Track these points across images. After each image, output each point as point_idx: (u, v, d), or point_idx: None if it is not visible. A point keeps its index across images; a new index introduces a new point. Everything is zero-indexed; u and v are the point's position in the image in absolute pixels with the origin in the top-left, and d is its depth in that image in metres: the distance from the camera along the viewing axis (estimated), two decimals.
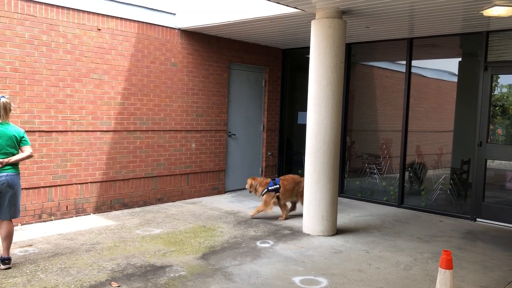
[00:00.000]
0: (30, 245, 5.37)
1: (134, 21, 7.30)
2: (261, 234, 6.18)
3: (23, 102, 6.17)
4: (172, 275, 4.59)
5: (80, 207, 6.87)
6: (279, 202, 7.01)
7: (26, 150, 4.71)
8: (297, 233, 6.26)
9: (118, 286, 4.26)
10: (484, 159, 7.25)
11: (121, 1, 7.09)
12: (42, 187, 6.44)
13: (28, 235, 5.78)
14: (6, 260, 4.61)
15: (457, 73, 7.83)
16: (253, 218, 7.01)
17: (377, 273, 4.87)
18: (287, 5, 5.94)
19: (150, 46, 7.54)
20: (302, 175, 6.92)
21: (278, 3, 5.80)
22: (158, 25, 7.63)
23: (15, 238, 5.59)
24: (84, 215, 6.90)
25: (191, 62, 8.17)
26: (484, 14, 5.99)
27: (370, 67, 9.07)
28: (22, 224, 6.24)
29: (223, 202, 8.17)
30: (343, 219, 7.05)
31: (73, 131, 6.72)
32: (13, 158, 4.59)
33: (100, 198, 7.10)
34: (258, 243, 5.77)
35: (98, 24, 6.88)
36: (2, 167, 4.52)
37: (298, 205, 7.27)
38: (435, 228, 6.77)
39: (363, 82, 8.97)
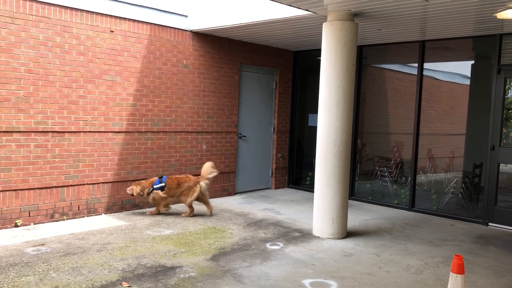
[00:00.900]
0: (43, 244, 5.43)
1: (147, 23, 7.36)
2: (271, 236, 6.18)
3: (37, 103, 6.25)
4: (182, 276, 4.61)
5: (91, 207, 6.93)
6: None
7: None
8: (307, 236, 6.25)
9: (129, 286, 4.29)
10: (496, 162, 7.18)
11: (133, 3, 7.15)
12: (55, 187, 6.51)
13: (40, 235, 5.85)
14: None
15: (469, 75, 7.77)
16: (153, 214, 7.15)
17: (387, 276, 4.85)
18: (298, 8, 5.94)
19: (162, 48, 7.59)
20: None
21: (290, 5, 5.81)
22: (170, 27, 7.68)
23: (27, 237, 5.67)
24: (95, 215, 6.96)
25: (202, 64, 8.21)
26: (498, 17, 5.94)
27: (382, 69, 9.03)
28: (34, 224, 6.31)
29: (233, 204, 8.19)
30: (353, 222, 7.02)
31: (86, 132, 6.79)
32: None
33: (111, 198, 7.16)
34: (268, 245, 5.77)
35: (111, 26, 6.94)
36: None
37: (210, 207, 7.30)
38: (447, 232, 6.72)
39: (374, 84, 8.93)
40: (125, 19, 7.09)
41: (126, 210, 7.33)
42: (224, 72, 8.59)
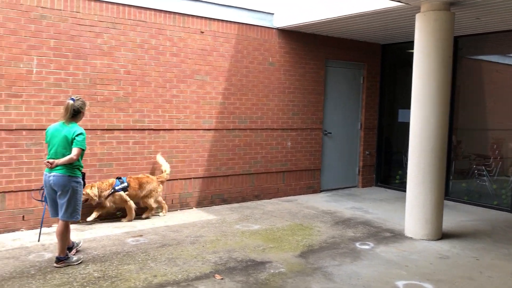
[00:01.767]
0: (141, 236, 5.77)
1: (234, 22, 7.52)
2: (360, 235, 6.04)
3: (135, 102, 6.65)
4: (272, 271, 4.66)
5: (184, 201, 7.25)
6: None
7: (72, 152, 4.50)
8: (398, 236, 6.02)
9: (222, 278, 4.42)
10: None
11: (222, 3, 7.34)
12: None
13: (138, 226, 6.22)
14: (59, 259, 4.61)
15: None
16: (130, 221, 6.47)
17: (489, 282, 4.52)
18: None
19: (249, 46, 7.72)
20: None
21: None
22: (256, 25, 7.78)
23: (127, 229, 6.06)
24: (187, 209, 7.27)
25: (287, 61, 8.22)
26: None
27: (479, 61, 8.43)
28: None
29: (319, 201, 8.12)
30: (448, 223, 6.64)
31: (178, 129, 7.10)
32: (60, 161, 4.47)
33: (202, 193, 7.43)
34: (357, 244, 5.64)
35: (201, 27, 7.19)
36: (52, 168, 4.49)
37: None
38: None
39: (470, 77, 8.36)
40: (214, 19, 7.31)
41: (215, 205, 7.56)
42: (310, 68, 8.54)
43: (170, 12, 6.87)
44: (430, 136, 5.75)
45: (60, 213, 4.60)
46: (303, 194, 8.67)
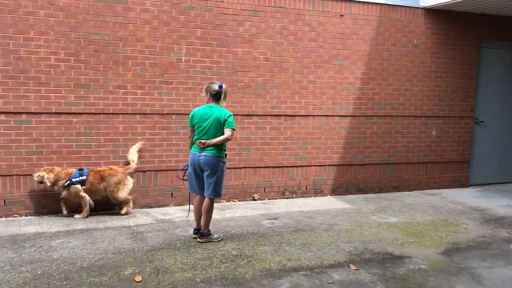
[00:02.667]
0: (276, 219, 5.88)
1: (376, 4, 7.15)
2: None
3: (272, 88, 6.76)
4: (411, 267, 4.36)
5: (318, 188, 7.20)
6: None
7: (226, 132, 4.71)
8: None
9: (356, 269, 4.28)
10: None
11: None
12: (286, 166, 6.98)
13: (274, 209, 6.35)
14: (196, 231, 4.98)
15: None
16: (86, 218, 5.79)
17: None
18: None
19: (392, 28, 7.28)
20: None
21: None
22: (400, 5, 7.30)
23: (263, 211, 6.23)
24: (321, 195, 7.21)
25: (435, 42, 7.57)
26: None
27: None
28: (268, 199, 6.90)
29: (466, 197, 7.39)
30: None
31: (314, 115, 7.04)
32: (213, 141, 4.67)
33: (336, 181, 7.29)
34: None
35: (341, 10, 6.99)
36: (204, 148, 4.70)
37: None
38: None
39: None
40: (355, 2, 7.04)
41: (350, 194, 7.37)
42: (460, 50, 7.75)
43: None
44: None
45: (208, 192, 4.80)
46: (448, 187, 7.98)
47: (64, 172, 5.66)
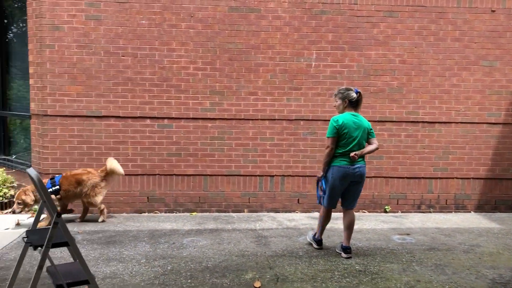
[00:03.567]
0: (408, 234, 5.44)
1: None
2: None
3: (409, 93, 6.30)
4: None
5: (459, 203, 6.49)
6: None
7: (375, 142, 4.58)
8: None
9: None
10: None
11: None
12: (423, 178, 6.43)
13: (406, 224, 5.90)
14: (348, 249, 4.61)
15: None
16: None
17: None
18: None
19: None
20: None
21: None
22: None
23: (394, 225, 5.83)
24: (463, 211, 6.49)
25: None
26: None
27: None
28: (401, 212, 6.44)
29: None
30: None
31: (457, 122, 6.38)
32: (365, 150, 4.51)
33: (482, 196, 6.49)
34: None
35: (492, 5, 6.22)
36: (356, 159, 4.46)
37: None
38: None
39: None
40: None
41: (499, 212, 6.50)
42: None
43: None
44: None
45: (354, 203, 4.65)
46: None
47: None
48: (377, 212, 6.41)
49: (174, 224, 5.72)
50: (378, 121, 6.28)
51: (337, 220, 5.59)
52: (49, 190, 5.20)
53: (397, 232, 5.53)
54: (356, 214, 6.20)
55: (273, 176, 6.30)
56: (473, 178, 6.47)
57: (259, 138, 6.23)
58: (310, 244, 4.96)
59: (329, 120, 4.59)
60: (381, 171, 6.37)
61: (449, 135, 6.39)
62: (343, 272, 4.24)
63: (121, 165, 5.73)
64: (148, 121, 6.11)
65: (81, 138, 6.08)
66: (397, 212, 6.44)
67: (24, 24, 6.69)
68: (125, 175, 5.98)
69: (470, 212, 6.49)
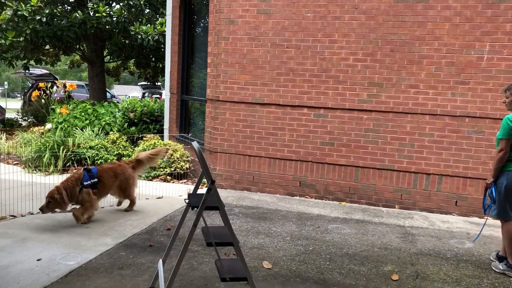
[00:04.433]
0: None
1: None
2: None
3: None
4: None
5: None
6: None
7: None
8: None
9: None
10: None
11: None
12: None
13: None
14: (503, 259, 4.10)
15: None
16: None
17: None
18: None
19: None
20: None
21: None
22: None
23: None
24: None
25: None
26: None
27: None
28: None
29: None
30: None
31: None
32: None
33: None
34: None
35: None
36: None
37: None
38: None
39: None
40: None
41: None
42: None
43: None
44: None
45: None
46: None
47: (72, 179, 4.90)
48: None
49: (322, 210, 5.91)
50: None
51: (498, 228, 5.08)
52: (87, 183, 4.90)
53: None
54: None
55: (429, 174, 6.00)
56: None
57: (417, 133, 6.00)
58: (503, 273, 4.12)
59: (500, 119, 4.17)
60: None
61: None
62: (493, 281, 3.90)
63: (277, 150, 6.15)
64: (305, 110, 6.40)
65: (246, 122, 6.68)
66: None
67: (207, 19, 7.59)
68: (280, 159, 6.41)
69: None
